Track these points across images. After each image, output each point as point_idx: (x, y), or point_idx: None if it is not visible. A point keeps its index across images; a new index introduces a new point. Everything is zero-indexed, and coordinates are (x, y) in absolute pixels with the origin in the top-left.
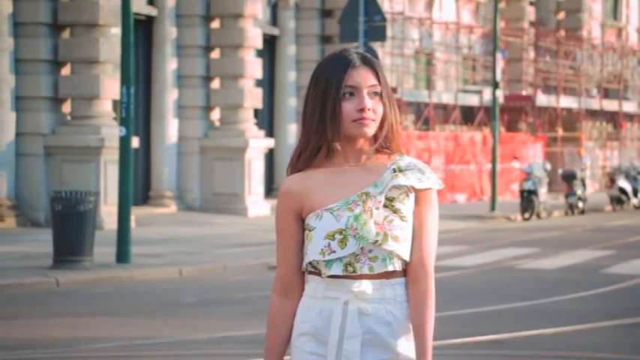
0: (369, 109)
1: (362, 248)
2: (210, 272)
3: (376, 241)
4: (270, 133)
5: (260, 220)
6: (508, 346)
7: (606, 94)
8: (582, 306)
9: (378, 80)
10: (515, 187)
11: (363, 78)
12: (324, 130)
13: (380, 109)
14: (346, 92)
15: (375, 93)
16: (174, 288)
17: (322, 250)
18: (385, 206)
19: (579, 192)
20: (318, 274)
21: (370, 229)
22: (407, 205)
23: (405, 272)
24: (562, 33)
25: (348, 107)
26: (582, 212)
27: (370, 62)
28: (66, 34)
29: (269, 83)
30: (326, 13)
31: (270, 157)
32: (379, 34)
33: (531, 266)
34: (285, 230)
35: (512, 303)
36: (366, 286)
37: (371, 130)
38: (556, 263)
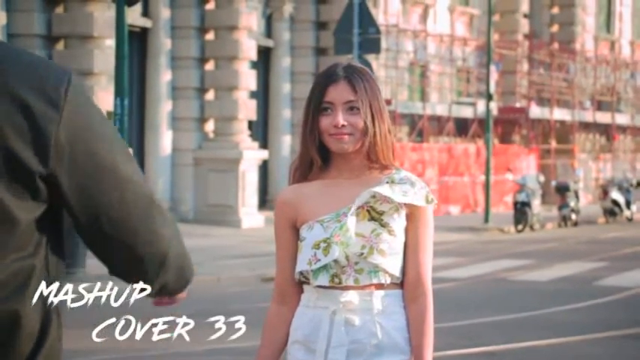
0: (343, 125)
1: (348, 260)
2: (204, 284)
3: (362, 253)
4: (264, 145)
5: (254, 231)
6: (502, 358)
7: (599, 106)
8: (576, 317)
9: (357, 95)
10: (509, 199)
11: (340, 94)
12: (307, 143)
13: (359, 123)
14: (326, 107)
15: (353, 108)
16: None
17: (309, 260)
18: (374, 219)
19: (572, 204)
20: (309, 283)
21: (351, 236)
22: (397, 221)
23: (396, 285)
24: (556, 46)
25: (325, 122)
26: (575, 224)
27: (352, 77)
28: (60, 45)
29: (263, 95)
30: (321, 25)
31: (264, 168)
32: (373, 46)
33: (525, 278)
34: (281, 240)
35: (506, 314)
36: (352, 296)
37: (349, 144)
38: (550, 275)
